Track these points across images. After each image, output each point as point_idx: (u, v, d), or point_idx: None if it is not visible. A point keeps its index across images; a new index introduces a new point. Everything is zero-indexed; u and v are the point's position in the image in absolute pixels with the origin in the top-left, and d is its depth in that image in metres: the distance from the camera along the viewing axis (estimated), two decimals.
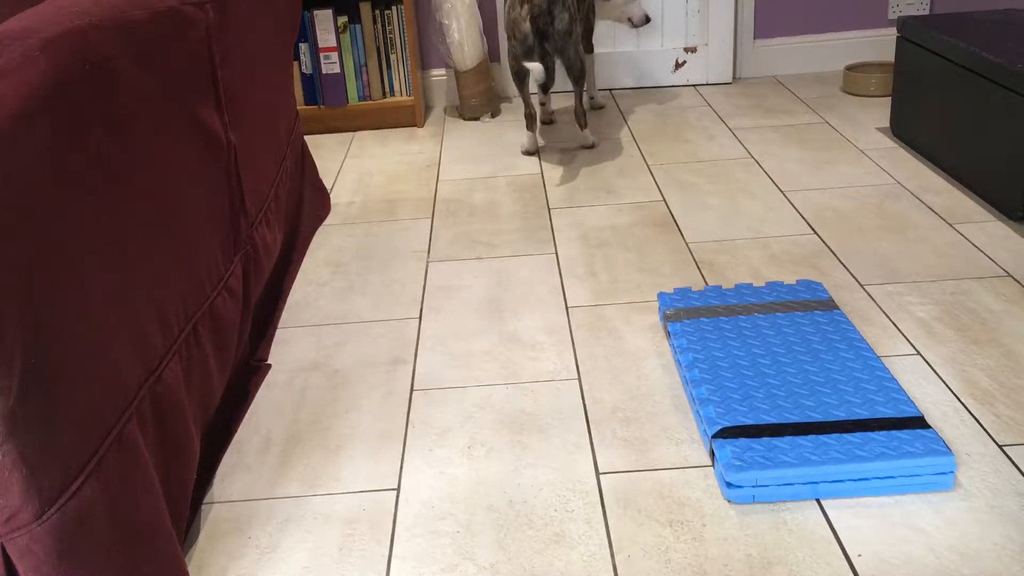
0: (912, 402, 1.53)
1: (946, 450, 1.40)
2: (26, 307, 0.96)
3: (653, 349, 1.83)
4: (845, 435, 1.45)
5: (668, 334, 1.83)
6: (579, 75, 2.82)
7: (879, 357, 1.69)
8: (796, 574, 1.27)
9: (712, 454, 1.48)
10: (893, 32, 3.54)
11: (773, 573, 1.27)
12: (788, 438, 1.45)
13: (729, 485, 1.40)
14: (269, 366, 1.85)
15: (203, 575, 1.34)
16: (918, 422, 1.47)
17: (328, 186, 2.80)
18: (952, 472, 1.40)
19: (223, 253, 1.60)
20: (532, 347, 1.86)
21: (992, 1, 3.22)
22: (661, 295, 1.93)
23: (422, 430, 1.63)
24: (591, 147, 2.96)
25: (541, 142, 3.02)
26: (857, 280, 2.03)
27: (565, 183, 2.71)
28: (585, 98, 3.16)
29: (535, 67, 2.65)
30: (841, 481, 1.40)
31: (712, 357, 1.68)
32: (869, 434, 1.45)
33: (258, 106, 1.86)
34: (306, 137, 3.30)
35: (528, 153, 2.94)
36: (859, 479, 1.40)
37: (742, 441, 1.45)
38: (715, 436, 1.47)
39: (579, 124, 2.92)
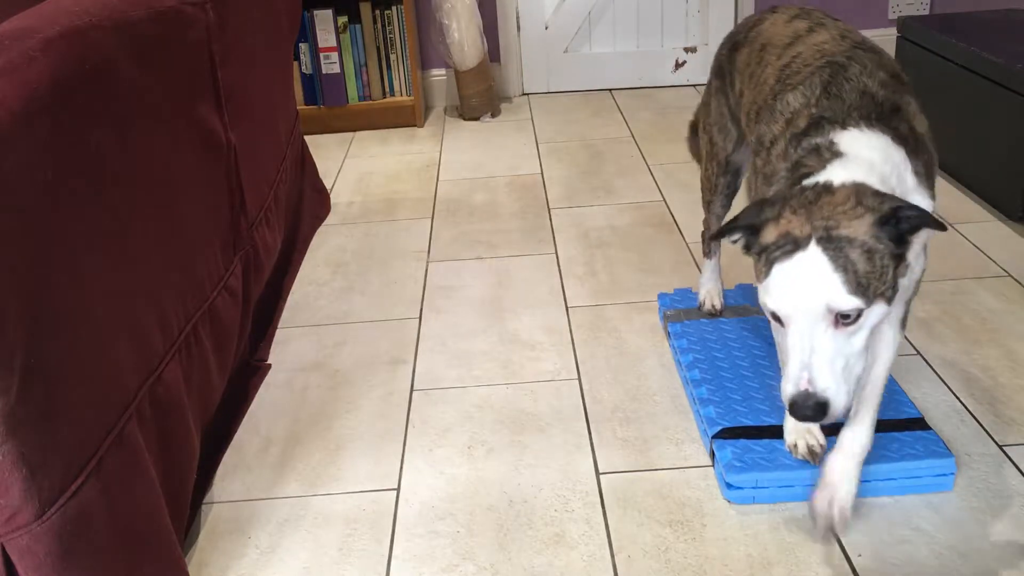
0: (912, 403, 1.52)
1: (946, 452, 1.40)
2: (26, 307, 0.96)
3: (653, 349, 1.82)
4: None
5: (668, 334, 1.83)
6: None
7: None
8: (796, 574, 1.27)
9: (712, 454, 1.48)
10: (893, 32, 3.53)
11: (773, 573, 1.27)
12: None
13: (729, 486, 1.40)
14: (269, 366, 1.85)
15: (203, 575, 1.34)
16: (918, 423, 1.47)
17: (328, 186, 2.79)
18: (952, 474, 1.39)
19: (223, 253, 1.60)
20: (532, 347, 1.86)
21: (992, 1, 3.21)
22: (661, 295, 1.93)
23: (422, 430, 1.63)
24: None
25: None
26: None
27: (565, 183, 2.71)
28: None
29: None
30: None
31: (712, 357, 1.68)
32: None
33: (258, 106, 1.86)
34: (306, 137, 3.29)
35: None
36: (859, 481, 1.39)
37: (742, 442, 1.45)
38: (715, 437, 1.47)
39: None
